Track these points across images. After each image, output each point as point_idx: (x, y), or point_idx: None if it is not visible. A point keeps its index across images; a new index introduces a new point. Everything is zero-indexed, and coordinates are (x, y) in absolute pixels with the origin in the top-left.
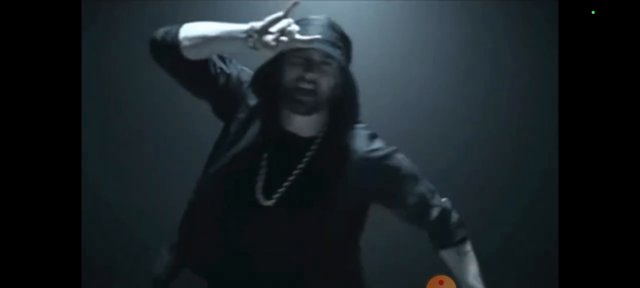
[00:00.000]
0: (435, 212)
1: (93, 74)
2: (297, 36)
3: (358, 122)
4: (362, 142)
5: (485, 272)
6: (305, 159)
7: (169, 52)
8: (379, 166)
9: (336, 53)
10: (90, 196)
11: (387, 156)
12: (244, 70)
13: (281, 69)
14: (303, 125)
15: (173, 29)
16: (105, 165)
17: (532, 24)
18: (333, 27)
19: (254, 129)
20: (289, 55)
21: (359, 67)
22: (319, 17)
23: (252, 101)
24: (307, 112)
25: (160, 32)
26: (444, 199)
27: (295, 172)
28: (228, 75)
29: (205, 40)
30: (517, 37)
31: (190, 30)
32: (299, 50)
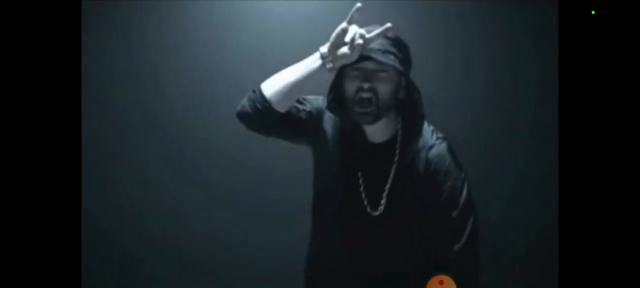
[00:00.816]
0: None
1: (93, 73)
2: (368, 36)
3: (423, 122)
4: (426, 140)
5: (485, 269)
6: (394, 165)
7: (265, 116)
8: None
9: (389, 59)
10: (91, 196)
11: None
12: (317, 99)
13: (343, 84)
14: (373, 132)
15: (256, 96)
16: (105, 165)
17: (532, 24)
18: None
19: (342, 145)
20: (347, 69)
21: None
22: (369, 27)
23: (330, 122)
24: (373, 120)
25: (245, 106)
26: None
27: (389, 180)
28: (309, 112)
29: (290, 88)
30: (517, 37)
31: (272, 87)
32: (355, 62)
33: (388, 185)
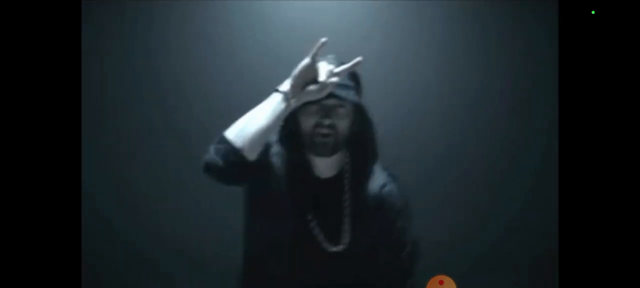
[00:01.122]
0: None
1: (113, 74)
2: (337, 70)
3: (376, 157)
4: (378, 177)
5: (486, 269)
6: (346, 202)
7: (238, 167)
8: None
9: (349, 94)
10: (90, 195)
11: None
12: None
13: (298, 120)
14: (324, 167)
15: (225, 146)
16: (104, 165)
17: (532, 24)
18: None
19: (290, 180)
20: (303, 105)
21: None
22: (328, 58)
23: (277, 157)
24: (331, 153)
25: (215, 159)
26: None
27: (345, 216)
28: (261, 151)
29: (260, 134)
30: (517, 37)
31: (243, 136)
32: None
33: (345, 222)
